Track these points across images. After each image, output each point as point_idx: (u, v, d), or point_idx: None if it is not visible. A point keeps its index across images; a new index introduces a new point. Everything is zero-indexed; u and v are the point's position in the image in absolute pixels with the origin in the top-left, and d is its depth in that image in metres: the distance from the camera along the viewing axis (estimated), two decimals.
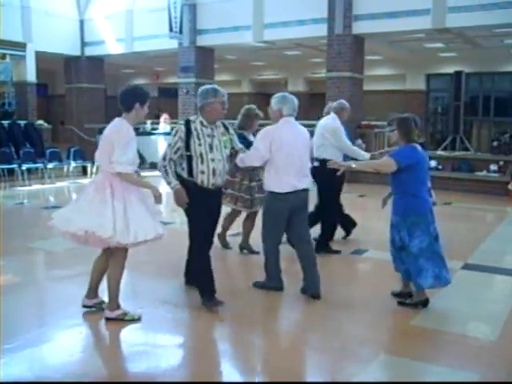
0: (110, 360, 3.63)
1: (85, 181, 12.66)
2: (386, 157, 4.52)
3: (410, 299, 4.55)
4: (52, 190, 11.47)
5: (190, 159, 4.29)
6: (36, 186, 11.74)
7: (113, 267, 4.16)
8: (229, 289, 4.85)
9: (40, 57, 15.97)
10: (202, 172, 4.29)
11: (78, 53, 17.58)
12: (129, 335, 4.06)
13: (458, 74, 13.90)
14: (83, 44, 17.64)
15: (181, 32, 14.86)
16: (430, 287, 4.43)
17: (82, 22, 17.48)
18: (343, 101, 6.56)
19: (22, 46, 15.38)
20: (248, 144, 5.17)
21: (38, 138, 14.45)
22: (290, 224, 4.72)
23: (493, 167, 11.38)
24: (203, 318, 4.30)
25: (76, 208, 4.06)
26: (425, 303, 4.48)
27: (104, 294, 4.30)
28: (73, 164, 13.34)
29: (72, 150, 13.49)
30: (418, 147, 4.48)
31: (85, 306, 4.32)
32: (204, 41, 15.00)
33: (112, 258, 4.14)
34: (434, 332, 4.08)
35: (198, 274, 4.50)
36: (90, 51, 17.62)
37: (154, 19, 15.52)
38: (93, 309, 4.28)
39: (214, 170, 4.31)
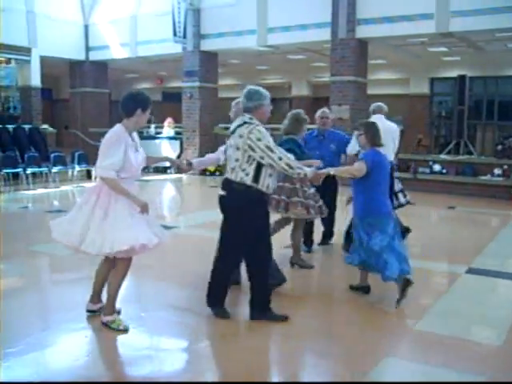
0: (114, 364, 3.63)
1: (89, 184, 12.71)
2: (359, 161, 4.71)
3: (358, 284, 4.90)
4: (56, 193, 11.51)
5: (259, 163, 4.05)
6: (40, 190, 11.78)
7: (114, 274, 4.14)
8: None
9: (45, 61, 16.05)
10: (270, 175, 4.12)
11: (82, 57, 17.65)
12: (133, 339, 4.06)
13: (461, 78, 13.91)
14: (88, 49, 17.71)
15: (185, 36, 14.91)
16: (397, 276, 4.57)
17: (86, 27, 17.56)
18: (381, 103, 6.62)
19: (26, 51, 15.47)
20: (300, 149, 5.32)
21: (42, 142, 14.51)
22: None
23: (497, 171, 11.35)
24: (207, 321, 4.30)
25: (73, 218, 4.06)
26: (368, 290, 4.87)
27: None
28: (77, 168, 13.38)
29: (76, 154, 13.55)
30: (381, 151, 4.75)
31: (89, 311, 4.31)
32: (208, 45, 15.04)
33: (116, 266, 4.12)
34: (438, 336, 4.06)
35: (216, 282, 4.32)
36: (94, 56, 17.69)
37: (158, 24, 15.57)
38: (97, 313, 4.27)
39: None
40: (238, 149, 4.04)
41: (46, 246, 6.80)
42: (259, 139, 3.97)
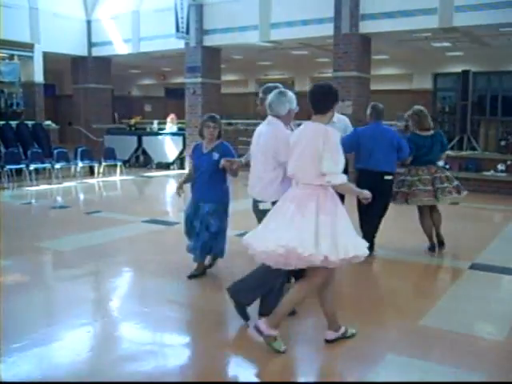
0: (117, 359, 3.64)
1: (92, 181, 12.74)
2: None
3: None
4: (59, 189, 11.53)
5: None
6: (43, 186, 11.80)
7: (300, 288, 3.63)
8: None
9: (47, 57, 16.05)
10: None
11: (85, 53, 17.64)
12: (136, 335, 4.08)
13: (465, 73, 13.85)
14: (90, 44, 17.69)
15: (187, 32, 14.88)
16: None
17: (89, 23, 17.54)
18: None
19: (29, 47, 15.47)
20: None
21: (45, 138, 14.53)
22: None
23: (500, 167, 11.32)
24: (209, 317, 4.31)
25: (273, 226, 3.52)
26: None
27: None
28: (80, 164, 13.40)
29: (79, 150, 13.56)
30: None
31: (328, 341, 3.79)
32: (210, 41, 15.01)
33: (311, 277, 3.58)
34: (441, 332, 4.06)
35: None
36: (97, 52, 17.67)
37: (161, 19, 15.54)
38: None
39: None
40: None
41: (50, 241, 6.84)
42: None
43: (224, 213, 5.19)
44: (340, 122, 6.01)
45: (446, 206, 9.68)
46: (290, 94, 4.14)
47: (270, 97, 4.10)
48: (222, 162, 4.90)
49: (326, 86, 3.68)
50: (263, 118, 4.42)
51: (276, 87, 4.39)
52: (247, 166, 4.70)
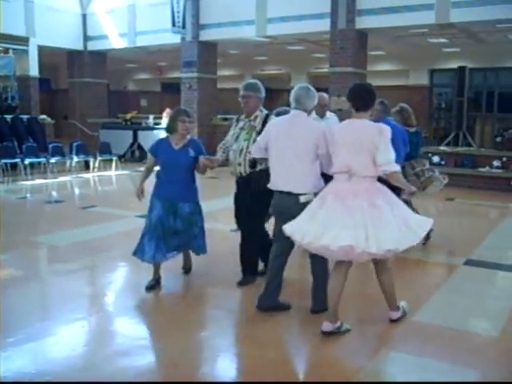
0: (111, 354, 3.64)
1: (87, 175, 12.71)
2: None
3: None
4: (54, 184, 11.49)
5: None
6: (39, 181, 11.76)
7: (385, 273, 4.03)
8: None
9: (43, 51, 15.97)
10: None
11: (80, 47, 17.56)
12: (131, 329, 4.07)
13: (461, 69, 13.85)
14: (86, 38, 17.62)
15: (183, 27, 14.83)
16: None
17: (84, 17, 17.45)
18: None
19: (24, 41, 15.38)
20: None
21: (40, 133, 14.46)
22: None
23: (496, 163, 11.34)
24: (206, 311, 4.31)
25: (326, 221, 3.63)
26: None
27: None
28: (75, 159, 13.35)
29: (75, 144, 13.51)
30: None
31: (324, 332, 3.83)
32: (207, 35, 14.97)
33: (384, 265, 3.98)
34: (435, 327, 4.07)
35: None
36: (92, 46, 17.60)
37: (157, 14, 15.48)
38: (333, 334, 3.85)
39: None
40: None
41: (45, 236, 6.82)
42: None
43: (201, 210, 4.95)
44: (332, 118, 6.15)
45: (442, 202, 9.72)
46: (314, 89, 4.25)
47: (298, 91, 4.15)
48: (202, 159, 4.69)
49: (367, 85, 4.09)
50: (248, 115, 4.49)
51: (256, 84, 4.58)
52: (223, 164, 4.86)
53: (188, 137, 4.84)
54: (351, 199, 3.63)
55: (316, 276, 4.24)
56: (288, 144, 4.08)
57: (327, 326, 3.82)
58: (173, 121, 4.80)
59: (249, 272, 4.88)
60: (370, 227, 3.53)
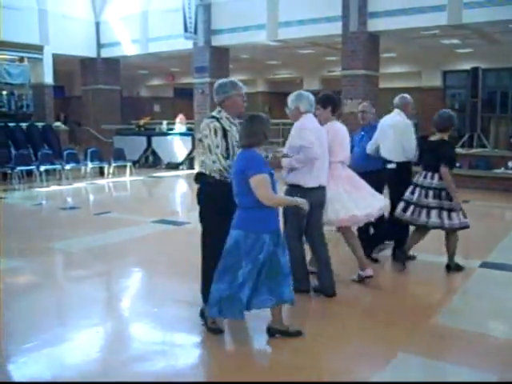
0: (127, 359, 3.66)
1: (102, 181, 12.80)
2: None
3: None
4: (69, 190, 11.59)
5: None
6: (54, 187, 11.87)
7: (353, 239, 5.06)
8: None
9: (57, 59, 16.13)
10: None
11: (94, 54, 17.72)
12: (145, 334, 4.09)
13: (474, 70, 13.75)
14: (99, 46, 17.77)
15: (195, 32, 14.90)
16: None
17: (97, 24, 17.61)
18: (405, 94, 6.16)
19: (39, 49, 15.56)
20: None
21: (55, 140, 14.61)
22: (308, 222, 4.64)
23: (511, 164, 11.23)
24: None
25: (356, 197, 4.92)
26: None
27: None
28: (90, 165, 13.47)
29: (89, 151, 13.63)
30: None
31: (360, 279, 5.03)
32: (219, 41, 15.02)
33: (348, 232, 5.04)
34: (452, 331, 4.04)
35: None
36: (105, 53, 17.75)
37: (169, 20, 15.57)
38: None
39: None
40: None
41: (60, 242, 6.88)
42: (206, 136, 3.93)
43: None
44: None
45: None
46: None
47: (310, 96, 4.62)
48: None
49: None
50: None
51: (232, 81, 4.17)
52: None
53: None
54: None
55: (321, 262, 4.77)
56: (323, 149, 4.61)
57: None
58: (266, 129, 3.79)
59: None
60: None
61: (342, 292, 4.70)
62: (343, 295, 4.70)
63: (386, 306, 4.58)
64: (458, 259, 6.25)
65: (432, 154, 5.32)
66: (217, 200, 3.92)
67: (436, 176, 5.24)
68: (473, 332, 4.02)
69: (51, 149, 13.63)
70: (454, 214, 5.21)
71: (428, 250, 6.20)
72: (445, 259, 5.68)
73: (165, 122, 16.79)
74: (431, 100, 18.20)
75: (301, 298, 4.53)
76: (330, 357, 3.74)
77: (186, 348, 3.89)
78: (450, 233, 5.35)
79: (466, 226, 5.28)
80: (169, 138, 15.93)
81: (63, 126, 16.09)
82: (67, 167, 12.91)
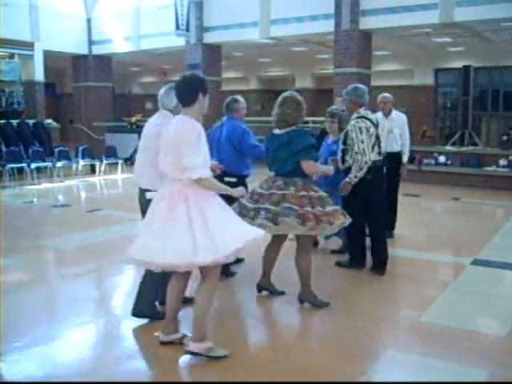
0: (118, 357, 3.65)
1: (93, 179, 12.75)
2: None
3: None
4: (61, 188, 11.53)
5: None
6: (45, 185, 11.80)
7: (204, 293, 3.49)
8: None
9: (48, 56, 16.05)
10: None
11: (85, 51, 17.65)
12: (138, 333, 4.07)
13: (466, 68, 13.79)
14: (91, 42, 17.70)
15: (187, 29, 14.87)
16: None
17: (89, 21, 17.54)
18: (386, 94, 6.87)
19: (29, 46, 15.47)
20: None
21: (46, 137, 14.53)
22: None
23: (502, 162, 11.30)
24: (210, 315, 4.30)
25: (153, 234, 3.40)
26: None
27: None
28: (81, 162, 13.41)
29: (80, 148, 13.56)
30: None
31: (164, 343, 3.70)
32: (211, 38, 14.99)
33: (205, 279, 3.47)
34: (442, 328, 4.06)
35: None
36: (97, 50, 17.67)
37: (161, 17, 15.53)
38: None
39: None
40: None
41: (51, 240, 6.85)
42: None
43: None
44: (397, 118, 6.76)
45: (448, 202, 9.69)
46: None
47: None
48: None
49: (190, 76, 3.61)
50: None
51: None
52: None
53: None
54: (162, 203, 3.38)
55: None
56: None
57: (193, 347, 3.48)
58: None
59: None
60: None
61: (330, 291, 4.70)
62: (332, 293, 4.70)
63: (373, 303, 4.59)
64: (449, 256, 6.30)
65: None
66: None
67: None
68: (462, 329, 4.03)
69: (42, 146, 13.55)
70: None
71: (415, 247, 6.24)
72: (435, 256, 5.72)
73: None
74: (423, 98, 18.28)
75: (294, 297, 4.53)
76: (320, 353, 3.74)
77: (176, 347, 3.87)
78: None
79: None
80: None
81: (54, 123, 15.98)
82: (58, 165, 12.84)
